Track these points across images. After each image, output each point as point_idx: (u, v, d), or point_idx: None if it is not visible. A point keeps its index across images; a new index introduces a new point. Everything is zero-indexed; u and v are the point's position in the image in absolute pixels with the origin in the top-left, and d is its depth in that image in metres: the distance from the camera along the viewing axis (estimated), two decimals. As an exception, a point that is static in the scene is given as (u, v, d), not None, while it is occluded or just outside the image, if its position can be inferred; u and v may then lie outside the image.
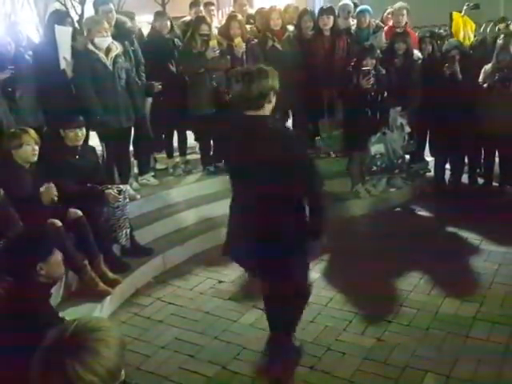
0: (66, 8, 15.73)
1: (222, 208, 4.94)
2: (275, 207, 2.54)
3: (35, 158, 3.45)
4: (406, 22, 5.75)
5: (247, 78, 2.45)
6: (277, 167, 2.45)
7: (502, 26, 6.45)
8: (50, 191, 3.35)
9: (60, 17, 4.65)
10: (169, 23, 5.25)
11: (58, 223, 3.25)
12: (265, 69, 2.52)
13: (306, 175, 2.60)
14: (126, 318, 3.56)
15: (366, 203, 5.30)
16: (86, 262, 3.45)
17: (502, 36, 5.69)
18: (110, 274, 3.64)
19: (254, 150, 2.46)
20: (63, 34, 4.30)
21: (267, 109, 2.54)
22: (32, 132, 3.48)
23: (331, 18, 5.35)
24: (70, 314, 2.92)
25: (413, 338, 3.15)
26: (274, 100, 2.55)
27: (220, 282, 4.01)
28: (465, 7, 6.13)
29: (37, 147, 3.44)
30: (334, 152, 5.70)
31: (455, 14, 6.04)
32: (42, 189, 3.35)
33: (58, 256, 2.28)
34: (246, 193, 2.62)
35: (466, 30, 5.87)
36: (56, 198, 3.36)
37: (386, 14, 6.34)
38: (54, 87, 4.25)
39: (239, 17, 5.38)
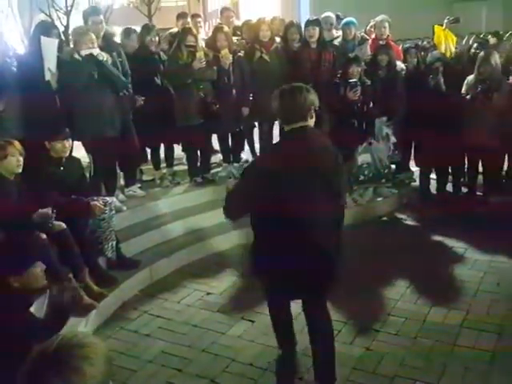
0: (52, 19, 15.72)
1: (209, 219, 4.96)
2: (326, 219, 2.56)
3: (20, 170, 3.42)
4: (388, 35, 5.86)
5: (295, 92, 2.54)
6: (327, 177, 2.52)
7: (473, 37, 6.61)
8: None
9: (46, 28, 4.63)
10: (157, 38, 5.27)
11: (43, 236, 3.21)
12: (307, 86, 2.62)
13: (341, 187, 2.70)
14: (113, 332, 3.52)
15: (352, 212, 5.31)
16: (71, 275, 3.40)
17: (475, 45, 5.84)
18: (96, 288, 3.59)
19: (310, 159, 2.48)
20: (49, 45, 4.28)
21: (310, 123, 2.59)
22: (16, 143, 3.44)
23: (317, 29, 5.42)
24: (55, 328, 2.87)
25: (401, 347, 3.17)
26: (313, 118, 2.60)
27: (208, 293, 3.98)
28: (445, 21, 6.26)
29: (21, 158, 3.41)
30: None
31: (437, 28, 6.16)
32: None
33: (36, 269, 2.23)
34: (299, 206, 2.47)
35: (447, 43, 5.99)
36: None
37: (368, 27, 6.45)
38: (39, 98, 4.22)
39: (225, 28, 5.41)
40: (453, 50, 6.04)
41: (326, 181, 2.54)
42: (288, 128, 2.56)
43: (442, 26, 6.21)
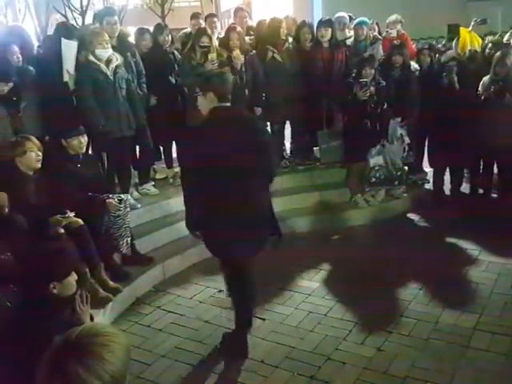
0: (67, 19, 15.86)
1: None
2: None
3: (39, 165, 3.47)
4: (404, 33, 5.83)
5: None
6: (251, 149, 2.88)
7: (490, 37, 6.48)
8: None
9: (67, 30, 4.66)
10: (170, 37, 5.32)
11: (61, 231, 3.26)
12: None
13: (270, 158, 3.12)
14: (127, 326, 3.57)
15: (364, 213, 5.32)
16: (87, 270, 3.45)
17: (489, 46, 5.78)
18: (111, 283, 3.65)
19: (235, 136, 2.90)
20: (69, 48, 4.34)
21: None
22: (34, 139, 3.51)
23: (329, 30, 5.40)
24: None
25: (413, 348, 3.16)
26: None
27: (219, 290, 4.00)
28: (472, 23, 6.18)
29: (40, 153, 3.47)
30: (333, 163, 5.74)
31: (462, 30, 6.03)
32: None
33: (72, 278, 2.30)
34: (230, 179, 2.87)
35: (473, 46, 5.91)
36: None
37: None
38: (57, 98, 4.27)
39: (238, 28, 5.42)
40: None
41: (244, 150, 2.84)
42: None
43: (462, 27, 6.13)
